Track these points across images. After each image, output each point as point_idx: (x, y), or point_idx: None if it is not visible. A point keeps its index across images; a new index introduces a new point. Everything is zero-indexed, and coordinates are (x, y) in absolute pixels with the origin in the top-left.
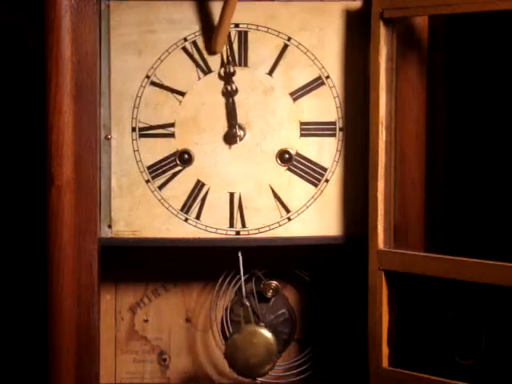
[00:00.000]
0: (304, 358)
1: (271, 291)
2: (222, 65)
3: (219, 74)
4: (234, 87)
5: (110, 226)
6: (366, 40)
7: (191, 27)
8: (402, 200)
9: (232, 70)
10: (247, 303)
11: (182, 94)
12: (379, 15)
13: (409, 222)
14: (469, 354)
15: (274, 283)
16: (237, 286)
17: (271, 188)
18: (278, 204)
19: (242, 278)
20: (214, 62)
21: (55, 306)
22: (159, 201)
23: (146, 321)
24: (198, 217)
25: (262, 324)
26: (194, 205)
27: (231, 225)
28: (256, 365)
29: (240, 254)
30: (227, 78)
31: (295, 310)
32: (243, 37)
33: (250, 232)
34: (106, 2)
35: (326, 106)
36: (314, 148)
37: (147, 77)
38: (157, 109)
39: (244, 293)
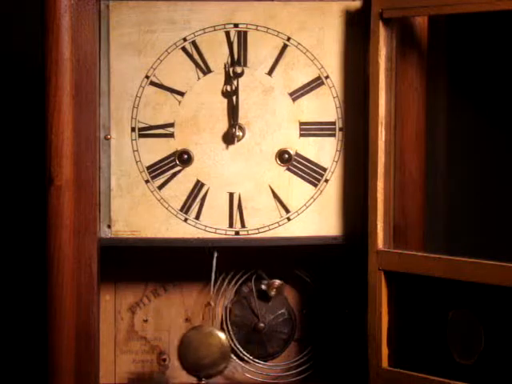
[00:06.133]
0: (303, 358)
1: (274, 290)
2: (228, 65)
3: (226, 74)
4: (233, 87)
5: (109, 226)
6: (365, 40)
7: (191, 27)
8: (402, 200)
9: (240, 71)
10: (212, 304)
11: (182, 94)
12: (379, 15)
13: (408, 222)
14: (469, 354)
15: (278, 282)
16: (236, 285)
17: (271, 188)
18: (278, 204)
19: (213, 278)
20: (214, 62)
21: (55, 306)
22: (159, 201)
23: (146, 321)
24: (197, 217)
25: (262, 325)
26: (194, 205)
27: (231, 225)
28: (207, 365)
29: (215, 255)
30: (235, 78)
31: (295, 310)
32: (243, 37)
33: (250, 232)
34: (105, 2)
35: (326, 106)
36: (313, 148)
37: (147, 77)
38: (156, 109)
39: (213, 293)
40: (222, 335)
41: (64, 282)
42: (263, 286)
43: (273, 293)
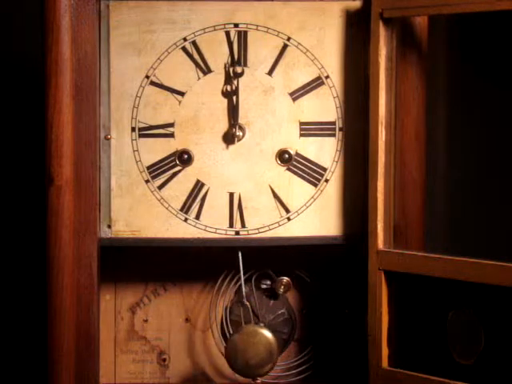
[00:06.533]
0: (303, 358)
1: (283, 287)
2: (228, 65)
3: (226, 74)
4: (233, 87)
5: (109, 226)
6: (365, 40)
7: (191, 27)
8: (402, 200)
9: (240, 71)
10: (247, 303)
11: (182, 93)
12: (379, 15)
13: (408, 222)
14: (469, 354)
15: (286, 279)
16: (236, 285)
17: (271, 188)
18: (278, 204)
19: (242, 278)
20: (214, 62)
21: (55, 306)
22: (159, 201)
23: (146, 321)
24: (197, 217)
25: (262, 324)
26: (194, 205)
27: (231, 225)
28: (256, 365)
29: (240, 254)
30: (235, 78)
31: (295, 310)
32: (243, 37)
33: (250, 232)
34: (105, 1)
35: (326, 105)
36: (313, 148)
37: (147, 77)
38: (156, 109)
39: (244, 293)
40: (268, 334)
41: (64, 281)
42: (263, 286)
43: (281, 290)
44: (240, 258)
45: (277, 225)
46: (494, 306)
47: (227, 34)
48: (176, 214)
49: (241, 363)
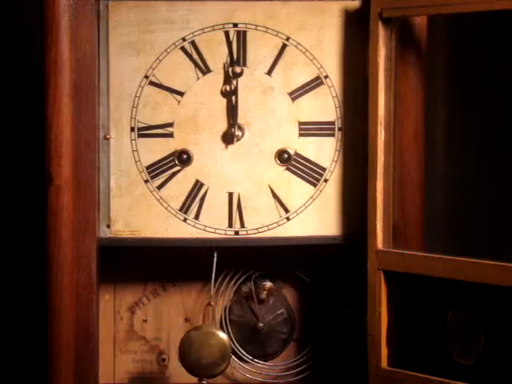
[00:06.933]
0: (303, 358)
1: (265, 292)
2: (227, 65)
3: (225, 74)
4: (232, 87)
5: (108, 226)
6: (364, 40)
7: (190, 27)
8: (401, 200)
9: (239, 71)
10: (213, 303)
11: (181, 93)
12: (378, 15)
13: (408, 222)
14: (468, 354)
15: (268, 284)
16: (236, 285)
17: (270, 188)
18: (277, 204)
19: (213, 278)
20: (213, 61)
21: (54, 306)
22: (158, 201)
23: (145, 321)
24: (196, 217)
25: (261, 325)
26: (193, 205)
27: (230, 225)
28: (207, 365)
29: (215, 254)
30: (234, 78)
31: (294, 310)
32: (242, 36)
33: (249, 232)
34: (104, 1)
35: (325, 105)
36: (312, 148)
37: (146, 77)
38: (155, 109)
39: (213, 293)
40: (223, 335)
41: (63, 281)
42: (244, 290)
43: (264, 295)
44: (215, 259)
45: (276, 225)
46: (494, 306)
47: (226, 33)
48: (175, 213)
49: (193, 360)
